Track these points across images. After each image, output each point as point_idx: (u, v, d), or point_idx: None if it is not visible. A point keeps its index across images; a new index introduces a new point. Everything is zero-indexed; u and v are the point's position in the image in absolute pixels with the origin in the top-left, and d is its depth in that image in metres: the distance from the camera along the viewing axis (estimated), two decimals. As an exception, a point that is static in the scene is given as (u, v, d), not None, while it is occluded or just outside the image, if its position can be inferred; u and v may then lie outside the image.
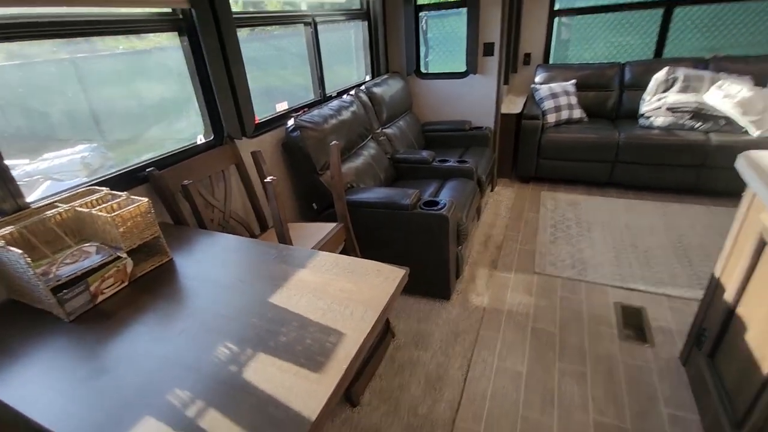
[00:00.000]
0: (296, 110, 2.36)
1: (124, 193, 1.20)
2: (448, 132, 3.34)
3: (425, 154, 2.73)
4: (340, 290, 1.02)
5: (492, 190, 3.59)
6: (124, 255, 1.08)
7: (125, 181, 1.42)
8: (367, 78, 3.23)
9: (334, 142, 1.68)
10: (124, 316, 1.00)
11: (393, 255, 2.21)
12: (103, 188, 1.24)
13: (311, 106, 2.41)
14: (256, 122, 2.07)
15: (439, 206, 2.01)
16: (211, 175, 1.76)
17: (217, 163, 1.78)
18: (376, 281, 1.06)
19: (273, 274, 1.11)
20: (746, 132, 2.98)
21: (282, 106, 2.32)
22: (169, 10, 1.58)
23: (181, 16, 1.61)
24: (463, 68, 3.21)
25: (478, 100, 3.29)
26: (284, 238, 1.48)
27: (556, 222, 3.01)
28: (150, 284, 1.12)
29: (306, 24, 2.39)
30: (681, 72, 3.31)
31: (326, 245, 1.75)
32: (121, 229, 1.08)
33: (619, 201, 3.24)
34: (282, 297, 1.01)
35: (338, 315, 0.93)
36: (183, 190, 1.53)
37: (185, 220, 1.54)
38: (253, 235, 1.94)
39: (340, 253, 1.89)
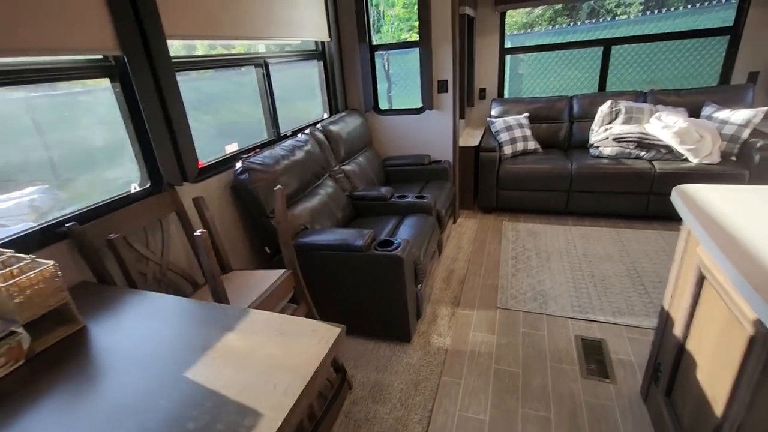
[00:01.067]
0: (247, 151, 2.30)
1: (29, 256, 1.08)
2: (408, 166, 3.35)
3: (384, 190, 2.71)
4: (267, 357, 0.93)
5: (455, 222, 3.60)
6: (20, 330, 0.95)
7: (38, 239, 1.29)
8: (325, 115, 3.23)
9: (277, 187, 1.62)
10: (18, 402, 0.87)
11: (349, 298, 2.13)
12: (7, 250, 1.12)
13: (264, 146, 2.36)
14: (201, 166, 1.99)
15: (394, 246, 1.96)
16: (145, 226, 1.64)
17: (153, 211, 1.67)
18: (310, 343, 0.98)
19: (196, 341, 1.01)
20: (686, 159, 3.14)
21: (232, 148, 2.25)
22: (99, 56, 1.51)
23: (113, 63, 1.55)
24: (419, 104, 3.27)
25: (435, 134, 3.35)
26: (218, 295, 1.37)
27: (518, 253, 3.02)
28: (54, 360, 0.99)
29: (257, 66, 2.37)
30: (623, 104, 3.50)
31: (273, 295, 1.65)
32: (18, 300, 0.96)
33: (576, 229, 3.31)
34: (201, 370, 0.91)
35: (260, 390, 0.84)
36: (108, 245, 1.41)
37: (112, 279, 1.41)
38: (195, 287, 1.81)
39: (290, 301, 1.80)
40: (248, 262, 2.31)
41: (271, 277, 1.74)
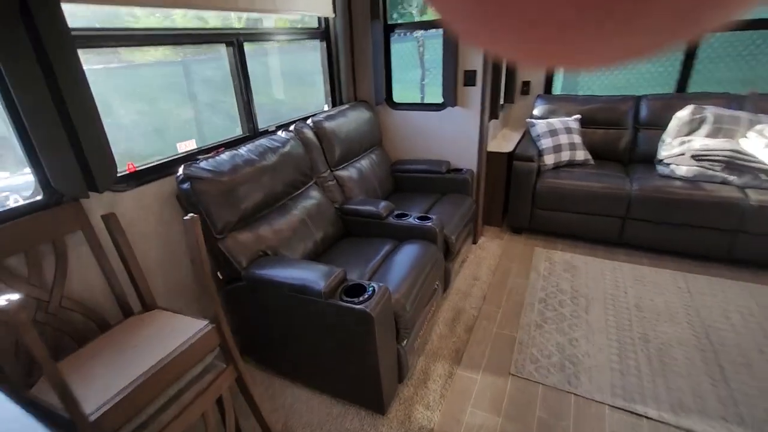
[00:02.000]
0: (207, 151, 1.86)
1: None
2: (422, 174, 2.79)
3: (381, 206, 2.19)
4: None
5: (474, 243, 3.00)
6: None
7: None
8: (326, 108, 2.73)
9: (188, 216, 1.16)
10: None
11: (311, 351, 1.66)
12: None
13: (233, 144, 1.91)
14: (132, 170, 1.57)
15: (364, 298, 1.45)
16: (27, 251, 1.25)
17: (43, 231, 1.27)
18: None
19: None
20: (796, 191, 2.34)
21: (187, 146, 1.82)
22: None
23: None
24: (440, 99, 2.68)
25: (458, 137, 2.75)
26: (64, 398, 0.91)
27: (548, 294, 2.39)
28: None
29: (228, 44, 1.91)
30: (710, 111, 2.70)
31: (185, 355, 1.20)
32: None
33: (629, 268, 2.61)
34: None
35: None
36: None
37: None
38: (104, 328, 1.41)
39: (215, 359, 1.34)
40: (197, 295, 1.89)
41: (187, 330, 1.30)
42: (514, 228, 3.15)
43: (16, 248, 1.22)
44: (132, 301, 1.49)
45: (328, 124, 2.36)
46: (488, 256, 2.84)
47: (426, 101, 2.81)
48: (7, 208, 1.23)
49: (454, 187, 2.71)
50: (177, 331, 1.31)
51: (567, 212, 2.85)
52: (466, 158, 2.78)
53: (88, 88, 1.30)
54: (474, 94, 2.58)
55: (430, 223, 2.06)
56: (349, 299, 1.45)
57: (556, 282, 2.51)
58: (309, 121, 2.29)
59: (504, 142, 3.20)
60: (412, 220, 2.11)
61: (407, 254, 1.94)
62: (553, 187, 2.84)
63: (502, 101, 3.35)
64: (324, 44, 2.60)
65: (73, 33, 1.25)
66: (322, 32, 2.56)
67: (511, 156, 2.97)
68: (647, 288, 2.41)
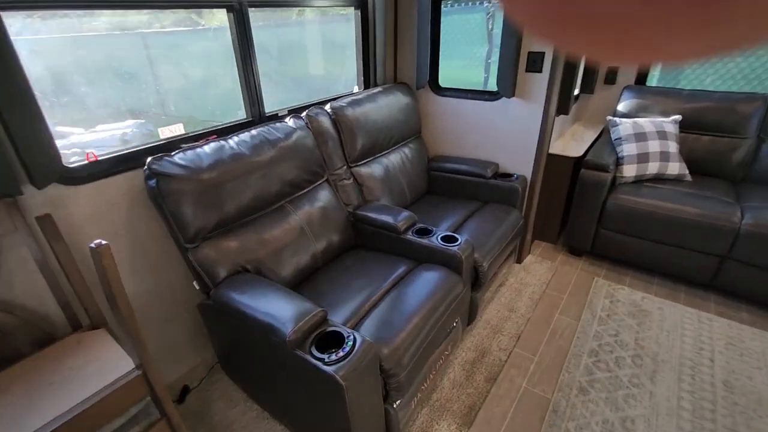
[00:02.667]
0: (195, 138, 1.59)
1: None
2: (462, 176, 2.33)
3: (401, 217, 1.80)
4: None
5: (519, 262, 2.51)
6: None
7: None
8: (355, 89, 2.33)
9: (96, 242, 0.87)
10: None
11: (281, 395, 1.37)
12: None
13: (232, 130, 1.61)
14: (94, 159, 1.33)
15: (340, 355, 1.11)
16: (-55, 255, 1.05)
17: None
18: None
19: None
20: None
21: (172, 131, 1.55)
22: None
23: None
24: (494, 87, 2.17)
25: (512, 134, 2.23)
26: None
27: (602, 345, 1.89)
28: None
29: (229, 8, 1.58)
30: None
31: (101, 405, 0.96)
32: None
33: (721, 324, 1.99)
34: None
35: None
36: None
37: None
38: (43, 343, 1.22)
39: (148, 409, 1.09)
40: (179, 300, 1.67)
41: (117, 368, 1.05)
42: (572, 248, 2.59)
43: (-71, 251, 1.03)
44: (79, 311, 1.28)
45: (351, 111, 1.97)
46: (533, 282, 2.35)
47: (488, 87, 2.30)
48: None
49: (499, 196, 2.23)
50: (103, 369, 1.07)
51: (644, 239, 2.25)
52: (520, 161, 2.26)
53: (16, 62, 1.04)
54: (539, 83, 2.04)
55: (455, 248, 1.64)
56: (318, 355, 1.12)
57: (616, 329, 1.98)
58: (328, 107, 1.93)
59: (573, 142, 2.60)
60: (434, 240, 1.70)
61: (421, 285, 1.55)
62: (630, 206, 2.24)
63: (576, 91, 2.72)
64: (358, 13, 2.18)
65: (-3, -11, 0.99)
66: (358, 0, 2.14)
67: (579, 161, 2.39)
68: (745, 358, 1.81)
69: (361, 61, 2.27)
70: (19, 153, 1.09)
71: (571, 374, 1.76)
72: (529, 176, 2.26)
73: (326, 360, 1.10)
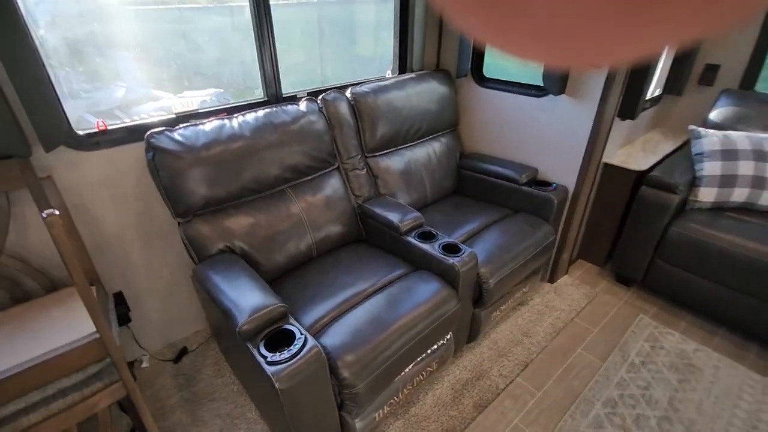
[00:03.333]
0: (208, 114, 1.61)
1: None
2: (492, 178, 2.10)
3: (407, 218, 1.68)
4: None
5: (551, 281, 2.24)
6: None
7: None
8: (388, 74, 2.20)
9: (48, 211, 0.90)
10: None
11: (247, 385, 1.37)
12: None
13: (242, 109, 1.62)
14: (104, 128, 1.41)
15: (286, 356, 1.06)
16: (-37, 203, 1.20)
17: (-20, 185, 1.20)
18: None
19: None
20: None
21: (186, 105, 1.59)
22: None
23: None
24: (539, 81, 1.89)
25: (557, 137, 1.95)
26: None
27: (625, 395, 1.61)
28: None
29: (249, -16, 1.55)
30: None
31: (57, 362, 1.03)
32: None
33: (796, 406, 1.58)
34: None
35: None
36: None
37: None
38: (51, 290, 1.35)
39: (104, 372, 1.16)
40: (186, 265, 1.75)
41: (80, 327, 1.12)
42: (619, 276, 2.24)
43: (-50, 198, 1.17)
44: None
45: (373, 98, 1.86)
46: (561, 307, 2.08)
47: (519, 81, 2.02)
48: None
49: (531, 205, 1.98)
50: (76, 323, 1.15)
51: (713, 281, 1.85)
52: (563, 169, 1.97)
53: (24, 31, 1.11)
54: (594, 79, 1.73)
55: (454, 260, 1.48)
56: (264, 352, 1.08)
57: (648, 381, 1.67)
58: (348, 92, 1.84)
59: (641, 153, 2.21)
60: (433, 247, 1.56)
61: (409, 294, 1.43)
62: (699, 237, 1.85)
63: (657, 92, 2.29)
64: (398, -9, 2.03)
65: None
66: (399, -26, 1.98)
67: (641, 176, 2.03)
68: (817, 454, 1.41)
69: (398, 45, 2.13)
70: (31, 118, 1.18)
71: (575, 422, 1.53)
72: (572, 187, 1.97)
73: (269, 359, 1.06)
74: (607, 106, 1.75)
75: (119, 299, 1.64)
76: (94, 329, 1.06)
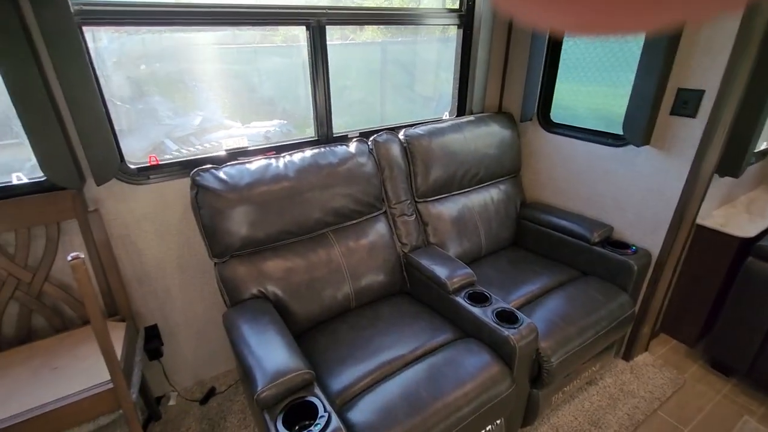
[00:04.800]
0: (257, 152, 1.59)
1: None
2: (560, 233, 1.86)
3: (457, 274, 1.50)
4: None
5: (627, 359, 1.89)
6: None
7: None
8: (445, 116, 2.08)
9: (73, 255, 0.85)
10: None
11: None
12: None
13: (292, 148, 1.58)
14: (156, 163, 1.42)
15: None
16: (17, 229, 1.22)
17: (36, 214, 1.23)
18: None
19: None
20: None
21: (235, 143, 1.58)
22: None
23: None
24: (619, 130, 1.67)
25: (639, 193, 1.68)
26: None
27: None
28: None
29: (307, 26, 1.53)
30: None
31: (69, 409, 0.97)
32: None
33: None
34: None
35: None
36: None
37: None
38: (86, 322, 1.34)
39: (117, 424, 1.08)
40: (221, 304, 1.69)
41: (99, 372, 1.06)
42: (716, 362, 1.85)
43: (7, 227, 1.20)
44: (120, 304, 1.37)
45: (427, 141, 1.75)
46: (641, 393, 1.73)
47: (595, 128, 1.81)
48: (16, 183, 1.23)
49: (605, 269, 1.70)
50: (94, 367, 1.10)
51: None
52: (645, 230, 1.69)
53: (89, 70, 1.14)
54: (689, 131, 1.48)
55: (509, 333, 1.26)
56: (281, 429, 0.94)
57: None
58: (401, 133, 1.74)
59: (745, 215, 1.85)
60: (485, 313, 1.36)
61: (455, 368, 1.23)
62: (830, 328, 1.45)
63: (764, 144, 1.95)
64: (461, 32, 1.93)
65: (82, 7, 1.10)
66: (463, 16, 1.90)
67: (747, 245, 1.68)
68: None
69: (457, 85, 2.02)
70: (86, 152, 1.21)
71: None
72: (656, 251, 1.67)
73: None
74: (705, 161, 1.48)
75: (153, 332, 1.61)
76: (89, 386, 0.99)
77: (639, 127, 1.54)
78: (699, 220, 1.74)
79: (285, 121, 1.81)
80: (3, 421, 0.90)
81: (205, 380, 1.84)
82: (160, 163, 1.42)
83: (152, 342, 1.60)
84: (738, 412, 1.65)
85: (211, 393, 1.78)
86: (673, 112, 1.49)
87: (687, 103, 1.45)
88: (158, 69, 1.45)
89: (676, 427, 1.59)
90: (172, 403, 1.74)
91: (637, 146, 1.60)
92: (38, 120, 1.11)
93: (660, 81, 1.45)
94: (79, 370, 1.11)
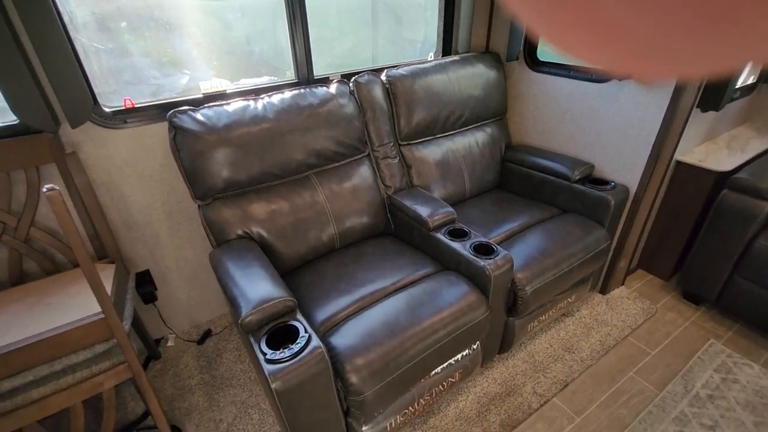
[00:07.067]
0: (236, 95, 1.56)
1: None
2: (541, 173, 1.89)
3: (439, 212, 1.53)
4: None
5: (603, 292, 1.99)
6: None
7: None
8: (430, 57, 2.03)
9: (48, 186, 0.87)
10: None
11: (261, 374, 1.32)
12: None
13: (269, 90, 1.55)
14: (131, 106, 1.40)
15: (288, 353, 0.98)
16: (-2, 175, 1.23)
17: (14, 159, 1.23)
18: None
19: None
20: None
21: (214, 85, 1.55)
22: None
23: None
24: (603, 64, 1.64)
25: (619, 129, 1.69)
26: None
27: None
28: None
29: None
30: None
31: (64, 338, 1.03)
32: None
33: None
34: None
35: None
36: None
37: None
38: (76, 264, 1.38)
39: (113, 352, 1.14)
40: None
41: (90, 305, 1.11)
42: (688, 293, 1.94)
43: (-14, 170, 1.21)
44: (109, 244, 1.40)
45: (410, 82, 1.72)
46: (613, 322, 1.83)
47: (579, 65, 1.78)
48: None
49: (584, 206, 1.74)
50: (86, 303, 1.15)
51: (806, 308, 1.53)
52: (624, 167, 1.72)
53: (51, 8, 1.10)
54: (670, 62, 1.46)
55: (484, 263, 1.32)
56: (263, 349, 1.01)
57: (716, 420, 1.41)
58: (383, 74, 1.71)
59: (725, 151, 1.87)
60: (464, 246, 1.41)
61: (433, 297, 1.29)
62: (794, 255, 1.52)
63: (750, 79, 1.93)
64: (444, -36, 1.85)
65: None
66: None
67: (723, 179, 1.72)
68: None
69: (442, 25, 1.96)
70: (57, 94, 1.19)
71: (620, 458, 1.32)
72: (633, 187, 1.71)
73: (268, 356, 0.98)
74: (684, 94, 1.48)
75: (145, 278, 1.66)
76: (83, 317, 1.04)
77: (621, 60, 1.52)
78: (678, 156, 1.76)
79: (276, 78, 1.76)
80: (2, 348, 0.96)
81: (201, 323, 1.93)
82: (136, 106, 1.40)
83: (146, 287, 1.65)
84: (705, 336, 1.77)
85: (207, 334, 1.87)
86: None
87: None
88: (126, 6, 1.39)
89: (644, 349, 1.70)
90: (170, 344, 1.83)
91: (620, 81, 1.58)
92: (4, 61, 1.09)
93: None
94: (72, 306, 1.17)
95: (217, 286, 1.86)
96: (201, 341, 1.84)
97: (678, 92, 1.47)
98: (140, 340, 1.65)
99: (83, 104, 1.24)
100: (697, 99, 1.59)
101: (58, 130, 1.26)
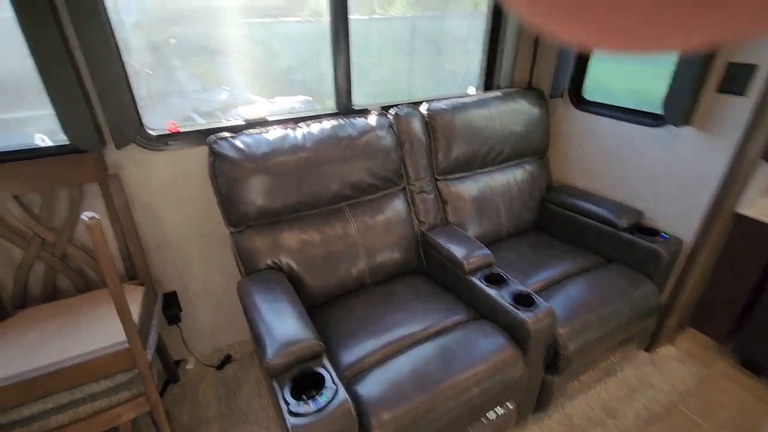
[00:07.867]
0: (277, 122, 1.57)
1: None
2: (586, 218, 1.78)
3: (474, 254, 1.45)
4: None
5: (648, 350, 1.83)
6: None
7: None
8: (471, 91, 2.00)
9: (88, 215, 0.86)
10: None
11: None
12: None
13: (309, 119, 1.55)
14: (174, 131, 1.42)
15: (313, 405, 0.91)
16: (43, 192, 1.25)
17: (60, 176, 1.25)
18: None
19: None
20: None
21: (252, 113, 1.56)
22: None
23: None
24: (657, 109, 1.55)
25: (674, 177, 1.58)
26: None
27: None
28: None
29: (331, -6, 1.48)
30: None
31: (87, 366, 1.00)
32: None
33: None
34: None
35: None
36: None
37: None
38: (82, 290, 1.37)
39: (133, 383, 1.11)
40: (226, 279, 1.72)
41: (115, 333, 1.09)
42: (746, 360, 1.75)
43: (33, 188, 1.23)
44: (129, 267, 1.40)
45: (450, 116, 1.68)
46: (661, 386, 1.67)
47: (632, 107, 1.69)
48: (42, 145, 1.25)
49: (631, 257, 1.62)
50: (112, 327, 1.13)
51: None
52: (678, 217, 1.60)
53: (107, 32, 1.13)
54: (736, 110, 1.36)
55: (524, 315, 1.22)
56: (287, 398, 0.94)
57: None
58: (423, 107, 1.68)
59: (791, 204, 1.71)
60: (501, 295, 1.32)
61: (467, 348, 1.20)
62: None
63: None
64: (491, 1, 1.83)
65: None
66: (494, -16, 1.79)
67: (791, 236, 1.56)
68: None
69: (485, 59, 1.92)
70: (106, 115, 1.21)
71: None
72: (687, 239, 1.58)
73: (291, 407, 0.92)
74: (751, 145, 1.37)
75: (172, 299, 1.64)
76: (106, 345, 1.02)
77: (681, 105, 1.43)
78: (739, 209, 1.62)
79: (310, 98, 1.78)
80: (26, 374, 0.94)
81: (222, 347, 1.89)
82: (179, 131, 1.42)
83: (171, 308, 1.64)
84: (766, 411, 1.57)
85: (227, 360, 1.82)
86: (721, 89, 1.37)
87: (737, 77, 1.33)
88: (179, 33, 1.43)
89: (696, 422, 1.53)
90: (189, 366, 1.80)
91: (677, 126, 1.49)
92: (60, 82, 1.12)
93: (708, 54, 1.33)
94: (100, 330, 1.15)
95: (242, 312, 1.83)
96: (220, 366, 1.79)
97: (745, 140, 1.36)
98: (160, 362, 1.62)
99: (130, 126, 1.26)
100: (765, 149, 1.46)
101: (103, 150, 1.28)
